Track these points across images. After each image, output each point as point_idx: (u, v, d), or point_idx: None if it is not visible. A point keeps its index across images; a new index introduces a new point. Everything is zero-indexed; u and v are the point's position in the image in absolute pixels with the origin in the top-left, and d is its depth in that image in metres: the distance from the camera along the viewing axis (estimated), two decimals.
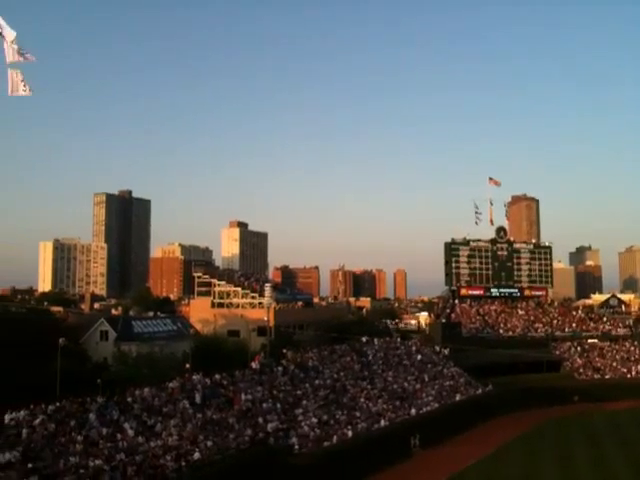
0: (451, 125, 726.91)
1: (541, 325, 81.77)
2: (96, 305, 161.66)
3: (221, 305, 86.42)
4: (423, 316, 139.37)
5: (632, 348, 76.83)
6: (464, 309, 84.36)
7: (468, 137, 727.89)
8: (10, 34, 21.08)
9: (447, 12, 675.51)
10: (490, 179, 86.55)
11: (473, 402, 55.11)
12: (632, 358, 74.45)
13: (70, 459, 26.93)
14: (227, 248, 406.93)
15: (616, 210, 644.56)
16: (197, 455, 30.59)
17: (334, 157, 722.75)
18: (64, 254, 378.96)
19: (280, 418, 39.19)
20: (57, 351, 40.36)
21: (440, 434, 45.28)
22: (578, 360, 73.84)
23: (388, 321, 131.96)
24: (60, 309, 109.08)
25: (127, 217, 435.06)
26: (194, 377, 40.51)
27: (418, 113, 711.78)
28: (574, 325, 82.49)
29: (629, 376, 70.68)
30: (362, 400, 47.12)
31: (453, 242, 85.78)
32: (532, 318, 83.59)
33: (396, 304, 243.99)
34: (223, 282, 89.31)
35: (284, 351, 52.60)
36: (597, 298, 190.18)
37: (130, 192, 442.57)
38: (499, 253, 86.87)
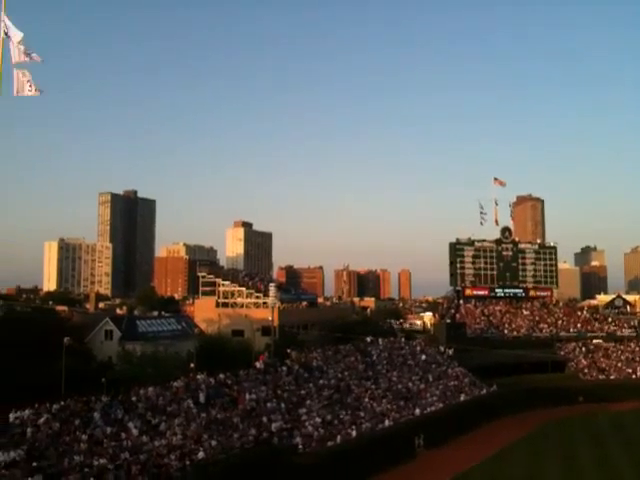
0: (453, 125, 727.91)
1: (546, 325, 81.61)
2: (101, 304, 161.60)
3: (225, 305, 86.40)
4: (428, 316, 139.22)
5: (637, 349, 76.61)
6: (469, 309, 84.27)
7: (471, 137, 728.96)
8: (17, 35, 21.20)
9: (447, 12, 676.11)
10: (495, 179, 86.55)
11: (477, 402, 55.01)
12: (637, 359, 74.23)
13: (74, 458, 27.03)
14: (232, 248, 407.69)
15: (621, 211, 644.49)
16: (201, 454, 30.65)
17: (335, 157, 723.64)
18: (69, 254, 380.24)
19: (284, 418, 39.22)
20: (62, 350, 40.45)
21: (444, 434, 45.22)
22: (583, 361, 73.66)
23: (392, 321, 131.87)
24: (65, 308, 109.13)
25: (132, 217, 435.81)
26: (198, 376, 40.60)
27: (418, 113, 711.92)
28: (579, 325, 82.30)
29: (634, 377, 70.46)
30: (366, 400, 47.10)
31: (458, 242, 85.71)
32: (537, 318, 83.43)
33: (400, 304, 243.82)
34: (228, 282, 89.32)
35: (288, 351, 52.65)
36: (602, 299, 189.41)
37: (135, 192, 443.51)
38: (504, 253, 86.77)
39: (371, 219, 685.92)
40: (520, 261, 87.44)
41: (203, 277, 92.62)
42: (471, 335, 74.06)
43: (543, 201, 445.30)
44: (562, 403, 60.24)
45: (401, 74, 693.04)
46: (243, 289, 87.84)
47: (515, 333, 78.87)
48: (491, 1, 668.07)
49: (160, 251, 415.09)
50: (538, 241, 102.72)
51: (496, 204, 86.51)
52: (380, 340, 63.65)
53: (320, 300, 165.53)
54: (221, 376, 41.69)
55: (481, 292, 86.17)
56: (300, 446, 35.92)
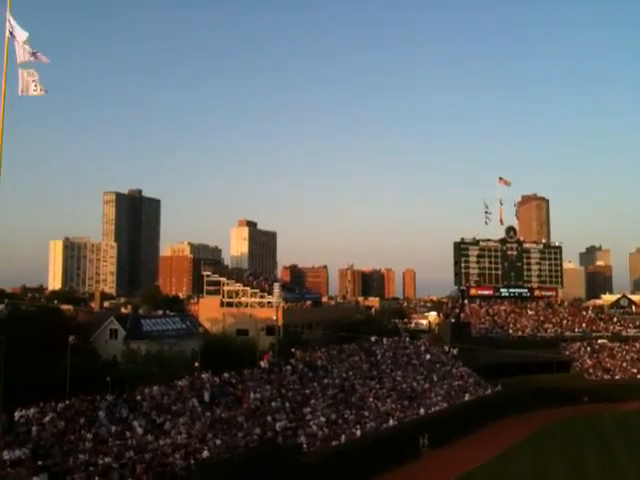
0: (453, 125, 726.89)
1: (551, 325, 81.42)
2: (106, 303, 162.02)
3: (230, 304, 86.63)
4: (432, 316, 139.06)
5: None
6: (473, 309, 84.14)
7: (472, 137, 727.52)
8: (22, 35, 21.20)
9: (447, 12, 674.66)
10: (500, 179, 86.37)
11: (482, 402, 54.88)
12: None
13: (79, 457, 27.09)
14: (236, 247, 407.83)
15: (626, 210, 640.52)
16: (206, 453, 30.68)
17: (336, 157, 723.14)
18: (74, 253, 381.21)
19: (289, 417, 39.23)
20: (67, 349, 40.62)
21: (449, 434, 45.13)
22: (588, 360, 73.47)
23: (397, 321, 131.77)
24: (70, 307, 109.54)
25: (137, 216, 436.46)
26: (203, 376, 40.67)
27: (418, 113, 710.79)
28: (584, 325, 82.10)
29: (639, 377, 70.25)
30: (371, 399, 47.06)
31: (462, 242, 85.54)
32: (542, 318, 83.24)
33: (405, 304, 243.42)
34: (232, 281, 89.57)
35: (293, 350, 52.64)
36: (607, 298, 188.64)
37: (140, 191, 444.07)
38: (509, 253, 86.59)
39: (372, 219, 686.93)
40: (525, 261, 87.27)
41: (208, 276, 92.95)
42: (476, 335, 73.94)
43: (548, 201, 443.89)
44: (567, 403, 60.07)
45: (401, 74, 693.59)
46: (247, 288, 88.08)
47: (520, 333, 78.71)
48: (491, 1, 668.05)
49: (165, 250, 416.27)
50: (543, 241, 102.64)
51: (501, 204, 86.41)
52: (384, 339, 63.57)
53: (324, 299, 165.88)
54: (226, 375, 41.73)
55: (486, 292, 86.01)
56: (304, 445, 35.89)
